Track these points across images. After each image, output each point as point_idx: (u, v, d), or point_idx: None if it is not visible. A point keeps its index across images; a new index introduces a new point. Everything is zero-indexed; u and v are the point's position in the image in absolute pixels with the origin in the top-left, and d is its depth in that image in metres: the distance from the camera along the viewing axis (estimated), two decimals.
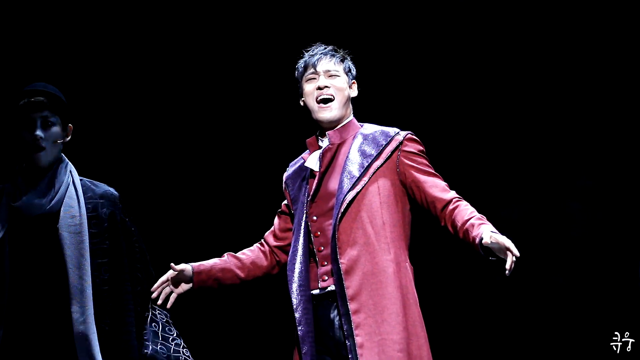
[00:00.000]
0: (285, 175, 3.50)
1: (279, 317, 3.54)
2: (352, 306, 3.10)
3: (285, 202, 3.50)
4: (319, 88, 3.33)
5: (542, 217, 5.21)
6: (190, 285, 3.38)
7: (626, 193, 5.08)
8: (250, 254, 3.48)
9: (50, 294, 3.17)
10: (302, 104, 3.42)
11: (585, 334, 4.99)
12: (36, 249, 3.20)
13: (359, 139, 3.32)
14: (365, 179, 3.22)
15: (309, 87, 3.36)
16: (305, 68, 3.38)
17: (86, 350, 3.12)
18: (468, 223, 3.12)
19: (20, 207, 3.20)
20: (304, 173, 3.39)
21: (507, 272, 2.94)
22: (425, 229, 3.58)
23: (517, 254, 2.94)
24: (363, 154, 3.27)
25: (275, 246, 3.48)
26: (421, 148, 3.33)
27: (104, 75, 5.32)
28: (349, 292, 3.11)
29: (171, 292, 3.36)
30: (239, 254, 3.49)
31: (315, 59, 3.36)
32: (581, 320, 5.03)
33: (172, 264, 3.36)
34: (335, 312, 3.18)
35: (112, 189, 3.35)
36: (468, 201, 3.25)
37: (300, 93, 3.42)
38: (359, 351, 3.07)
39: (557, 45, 5.15)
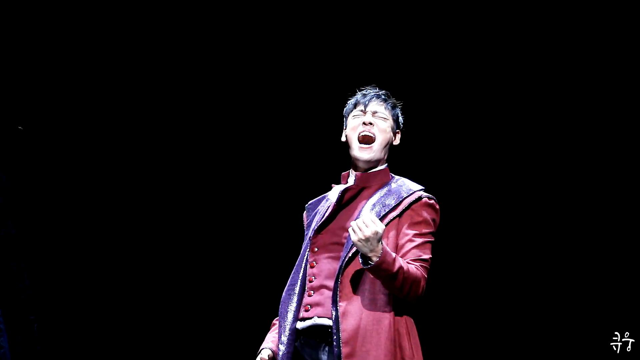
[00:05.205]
0: (308, 202, 3.50)
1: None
2: (344, 350, 3.08)
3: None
4: (364, 124, 3.34)
5: (543, 218, 5.21)
6: None
7: (625, 192, 5.08)
8: None
9: None
10: (343, 139, 3.43)
11: (585, 334, 4.99)
12: None
13: (384, 190, 3.30)
14: None
15: (354, 122, 3.37)
16: (355, 105, 3.40)
17: None
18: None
19: None
20: (324, 203, 3.39)
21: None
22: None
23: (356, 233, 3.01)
24: (383, 204, 3.24)
25: None
26: (432, 217, 3.26)
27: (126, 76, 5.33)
28: (343, 335, 3.08)
29: None
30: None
31: (367, 99, 3.38)
32: (581, 320, 5.03)
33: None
34: (325, 353, 3.17)
35: None
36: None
37: (344, 128, 3.43)
38: None
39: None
